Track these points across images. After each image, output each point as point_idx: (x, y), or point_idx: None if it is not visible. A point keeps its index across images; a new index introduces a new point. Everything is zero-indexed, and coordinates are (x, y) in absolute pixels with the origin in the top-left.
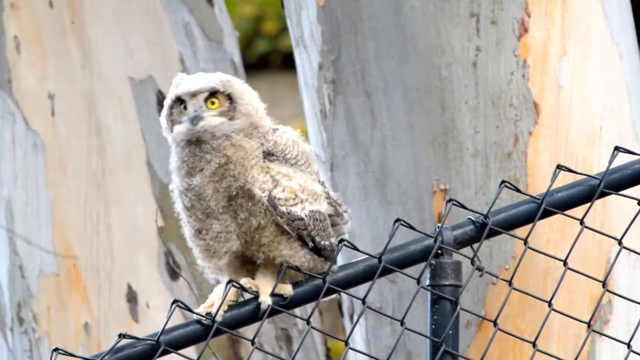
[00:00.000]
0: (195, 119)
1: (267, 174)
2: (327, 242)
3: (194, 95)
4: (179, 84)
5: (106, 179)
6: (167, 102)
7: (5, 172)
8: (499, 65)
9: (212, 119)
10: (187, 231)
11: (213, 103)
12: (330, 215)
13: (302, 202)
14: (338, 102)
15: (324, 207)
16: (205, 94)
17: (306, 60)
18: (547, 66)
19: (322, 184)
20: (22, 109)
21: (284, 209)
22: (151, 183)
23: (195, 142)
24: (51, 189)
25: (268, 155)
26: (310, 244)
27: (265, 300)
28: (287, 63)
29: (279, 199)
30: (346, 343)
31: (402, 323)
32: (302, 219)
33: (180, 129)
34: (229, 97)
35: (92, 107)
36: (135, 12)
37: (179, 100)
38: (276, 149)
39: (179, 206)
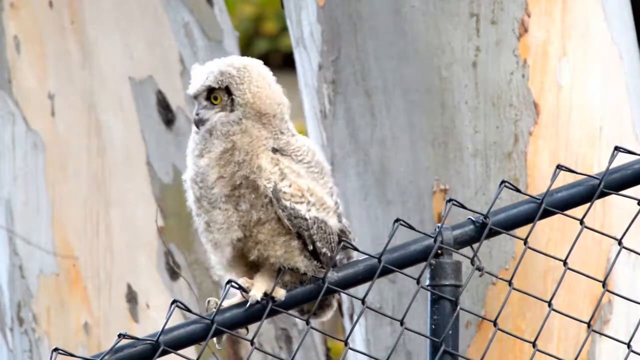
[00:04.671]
0: (198, 123)
1: (275, 166)
2: (327, 251)
3: (195, 97)
4: (191, 81)
5: (106, 179)
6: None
7: (5, 172)
8: (499, 65)
9: (215, 116)
10: (199, 226)
11: (216, 99)
12: (339, 236)
13: (308, 203)
14: (338, 102)
15: (332, 221)
16: (205, 94)
17: (306, 60)
18: (547, 66)
19: (335, 203)
20: (22, 109)
21: (287, 203)
22: (151, 183)
23: (207, 130)
24: (51, 189)
25: (279, 150)
26: (310, 246)
27: (255, 294)
28: (287, 63)
29: (284, 192)
30: (346, 343)
31: (402, 323)
32: (305, 219)
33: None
34: (227, 90)
35: (92, 107)
36: (135, 12)
37: None
38: (287, 147)
39: (190, 198)
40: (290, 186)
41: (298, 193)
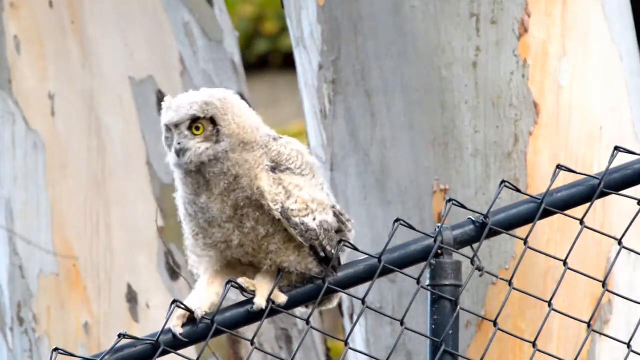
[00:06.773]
0: (180, 152)
1: (279, 186)
2: (334, 251)
3: (176, 126)
4: (166, 111)
5: (106, 179)
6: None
7: (5, 172)
8: (499, 65)
9: (197, 146)
10: (187, 230)
11: (198, 129)
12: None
13: (312, 212)
14: (338, 102)
15: (330, 217)
16: (188, 123)
17: (306, 60)
18: (547, 66)
19: (327, 195)
20: (22, 109)
21: (297, 220)
22: (151, 183)
23: (195, 171)
24: (51, 189)
25: (276, 165)
26: (322, 253)
27: (261, 303)
28: (287, 63)
29: (292, 210)
30: (346, 343)
31: (402, 323)
32: (314, 229)
33: (170, 158)
34: (212, 120)
35: (92, 107)
36: (135, 12)
37: (168, 127)
38: (280, 158)
39: (181, 212)
40: (296, 202)
41: (304, 206)
